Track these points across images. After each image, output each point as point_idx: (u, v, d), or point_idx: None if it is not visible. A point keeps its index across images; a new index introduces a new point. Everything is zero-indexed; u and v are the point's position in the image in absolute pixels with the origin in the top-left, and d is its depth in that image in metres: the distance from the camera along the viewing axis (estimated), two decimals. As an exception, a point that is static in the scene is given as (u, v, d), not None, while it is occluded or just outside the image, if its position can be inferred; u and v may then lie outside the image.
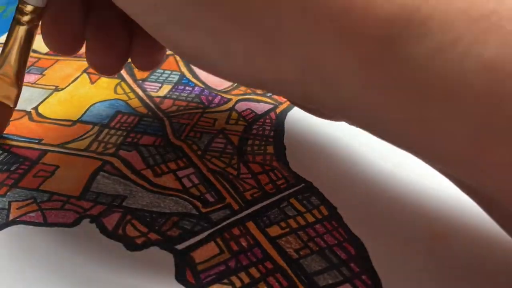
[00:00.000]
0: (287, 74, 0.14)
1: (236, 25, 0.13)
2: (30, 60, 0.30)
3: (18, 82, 0.21)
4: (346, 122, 0.17)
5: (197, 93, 0.27)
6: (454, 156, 0.13)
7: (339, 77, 0.13)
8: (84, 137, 0.23)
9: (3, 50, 0.20)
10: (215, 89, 0.27)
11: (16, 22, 0.19)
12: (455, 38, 0.11)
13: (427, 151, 0.14)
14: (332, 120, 0.20)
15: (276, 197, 0.20)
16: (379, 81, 0.13)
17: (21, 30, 0.20)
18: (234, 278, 0.17)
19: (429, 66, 0.12)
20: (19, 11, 0.19)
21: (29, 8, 0.19)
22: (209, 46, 0.15)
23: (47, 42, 0.20)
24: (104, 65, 0.20)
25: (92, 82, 0.28)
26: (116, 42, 0.20)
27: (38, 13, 0.19)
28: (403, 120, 0.13)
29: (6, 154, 0.22)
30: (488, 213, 0.16)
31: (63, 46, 0.20)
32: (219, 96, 0.26)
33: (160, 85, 0.27)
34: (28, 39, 0.20)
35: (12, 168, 0.21)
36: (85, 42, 0.20)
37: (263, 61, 0.14)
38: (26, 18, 0.19)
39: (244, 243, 0.18)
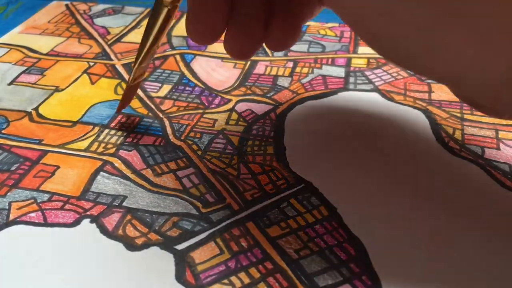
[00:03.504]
0: (492, 73, 0.14)
1: (451, 22, 0.13)
2: (30, 61, 0.30)
3: (148, 57, 0.22)
4: None
5: (197, 93, 0.27)
6: None
7: None
8: (84, 137, 0.23)
9: (146, 30, 0.21)
10: (215, 90, 0.27)
11: (159, 3, 0.20)
12: None
13: None
14: (502, 117, 0.19)
15: (276, 198, 0.20)
16: None
17: (163, 12, 0.20)
18: (234, 279, 0.17)
19: None
20: None
21: None
22: (414, 40, 0.14)
23: (190, 31, 0.20)
24: (242, 51, 0.20)
25: (92, 83, 0.28)
26: (256, 28, 0.20)
27: None
28: None
29: (6, 154, 0.22)
30: None
31: (207, 34, 0.20)
32: (219, 97, 0.26)
33: (160, 84, 0.27)
34: (167, 19, 0.20)
35: (13, 168, 0.21)
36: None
37: (470, 58, 0.14)
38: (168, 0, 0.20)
39: (244, 243, 0.18)
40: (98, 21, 0.35)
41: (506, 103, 0.15)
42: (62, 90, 0.27)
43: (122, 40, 0.33)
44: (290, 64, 0.29)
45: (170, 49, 0.31)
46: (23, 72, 0.29)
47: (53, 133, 0.24)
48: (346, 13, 0.16)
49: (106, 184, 0.21)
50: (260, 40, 0.20)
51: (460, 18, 0.13)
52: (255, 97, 0.26)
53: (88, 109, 0.26)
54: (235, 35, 0.20)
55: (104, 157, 0.22)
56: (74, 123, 0.25)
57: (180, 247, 0.18)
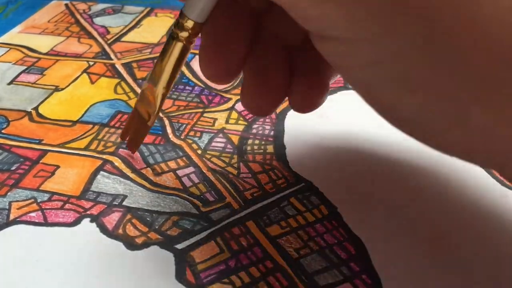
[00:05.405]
0: None
1: (481, 90, 0.11)
2: (30, 60, 0.30)
3: (160, 102, 0.19)
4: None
5: (197, 92, 0.27)
6: None
7: None
8: (84, 136, 0.23)
9: (156, 64, 0.19)
10: (215, 89, 0.27)
11: (173, 37, 0.18)
12: None
13: None
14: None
15: (276, 197, 0.20)
16: None
17: (177, 47, 0.18)
18: (234, 278, 0.17)
19: None
20: (178, 26, 0.18)
21: (189, 23, 0.17)
22: (440, 111, 0.12)
23: (203, 67, 0.18)
24: (260, 107, 0.19)
25: (92, 82, 0.28)
26: (276, 81, 0.18)
27: (196, 30, 0.18)
28: None
29: (6, 154, 0.22)
30: None
31: (220, 73, 0.18)
32: (219, 96, 0.26)
33: (160, 84, 0.27)
34: (182, 57, 0.18)
35: (13, 168, 0.21)
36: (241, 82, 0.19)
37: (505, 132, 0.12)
38: (184, 34, 0.18)
39: (244, 243, 0.18)
40: (98, 20, 0.35)
41: None
42: (62, 89, 0.27)
43: (122, 40, 0.32)
44: (290, 63, 0.29)
45: (170, 48, 0.31)
46: (23, 71, 0.29)
47: (53, 133, 0.24)
48: (354, 79, 0.14)
49: (106, 183, 0.21)
50: (282, 96, 0.18)
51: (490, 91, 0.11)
52: (255, 96, 0.26)
53: (88, 108, 0.26)
54: (252, 86, 0.18)
55: (104, 156, 0.22)
56: (74, 122, 0.25)
57: (180, 246, 0.18)
